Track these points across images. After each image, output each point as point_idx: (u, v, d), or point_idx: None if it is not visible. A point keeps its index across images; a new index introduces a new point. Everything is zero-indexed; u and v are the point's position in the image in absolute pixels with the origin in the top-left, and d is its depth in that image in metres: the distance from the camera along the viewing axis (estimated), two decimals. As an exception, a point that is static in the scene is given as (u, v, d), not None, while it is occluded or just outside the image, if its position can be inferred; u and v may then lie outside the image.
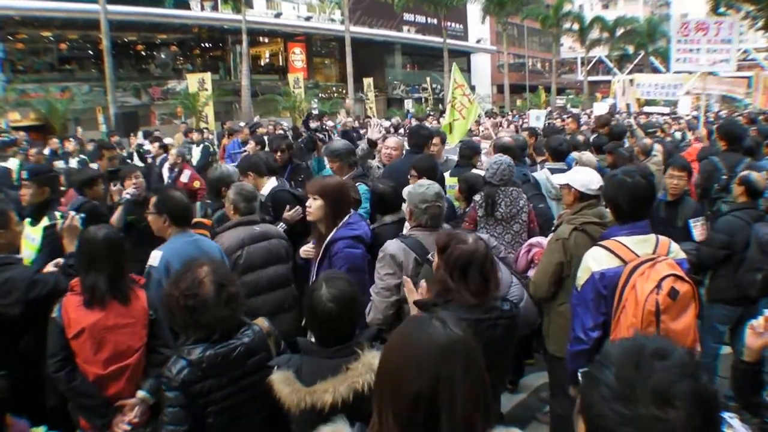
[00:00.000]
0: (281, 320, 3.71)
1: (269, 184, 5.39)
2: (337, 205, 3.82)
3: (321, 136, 9.59)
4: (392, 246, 3.57)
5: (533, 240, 4.54)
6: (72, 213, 3.87)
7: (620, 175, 3.21)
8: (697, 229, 5.00)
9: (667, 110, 22.75)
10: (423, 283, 2.93)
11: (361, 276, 3.66)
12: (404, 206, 3.86)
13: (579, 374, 1.15)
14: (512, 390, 5.35)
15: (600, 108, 24.88)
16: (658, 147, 8.15)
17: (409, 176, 4.92)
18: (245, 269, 4.00)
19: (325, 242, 3.74)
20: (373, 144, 6.09)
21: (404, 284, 3.04)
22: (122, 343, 3.13)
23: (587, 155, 6.36)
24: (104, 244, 3.16)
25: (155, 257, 3.58)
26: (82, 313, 3.06)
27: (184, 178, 8.45)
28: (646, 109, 24.27)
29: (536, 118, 14.34)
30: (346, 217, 3.84)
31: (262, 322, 2.78)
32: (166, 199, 3.81)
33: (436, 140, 6.44)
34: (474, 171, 5.78)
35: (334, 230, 3.76)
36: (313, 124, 13.52)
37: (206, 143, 14.50)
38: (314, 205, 3.80)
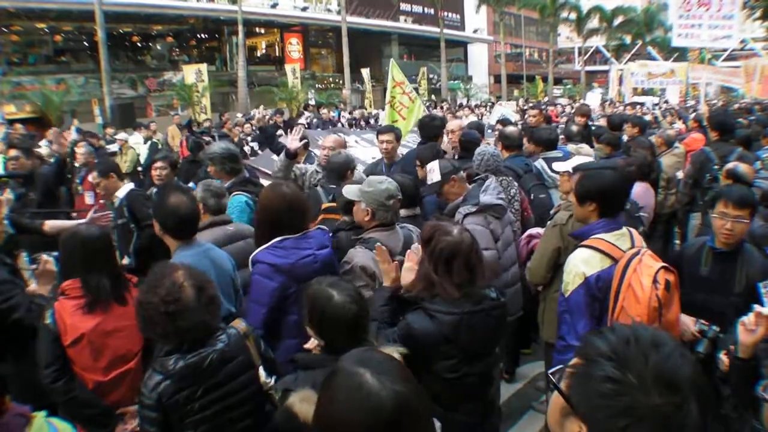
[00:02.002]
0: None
1: (126, 186, 5.31)
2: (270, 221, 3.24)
3: (207, 139, 9.28)
4: (360, 256, 3.34)
5: (533, 231, 4.57)
6: (44, 256, 3.44)
7: (598, 170, 3.21)
8: None
9: (656, 100, 22.53)
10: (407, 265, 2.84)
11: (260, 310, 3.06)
12: (362, 206, 3.51)
13: (553, 376, 1.10)
14: (509, 379, 5.38)
15: (592, 98, 24.88)
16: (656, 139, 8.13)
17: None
18: None
19: (250, 258, 3.20)
20: (291, 155, 4.98)
21: (379, 262, 2.91)
22: (122, 347, 3.01)
23: (586, 148, 6.31)
24: (102, 242, 3.07)
25: None
26: (79, 318, 2.91)
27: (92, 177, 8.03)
28: (636, 98, 24.03)
29: (500, 116, 11.49)
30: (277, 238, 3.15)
31: (238, 323, 2.64)
32: (158, 209, 3.38)
33: (390, 137, 5.80)
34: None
35: (258, 249, 3.17)
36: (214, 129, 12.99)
37: (154, 140, 14.43)
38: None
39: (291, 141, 5.07)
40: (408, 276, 2.80)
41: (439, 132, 6.16)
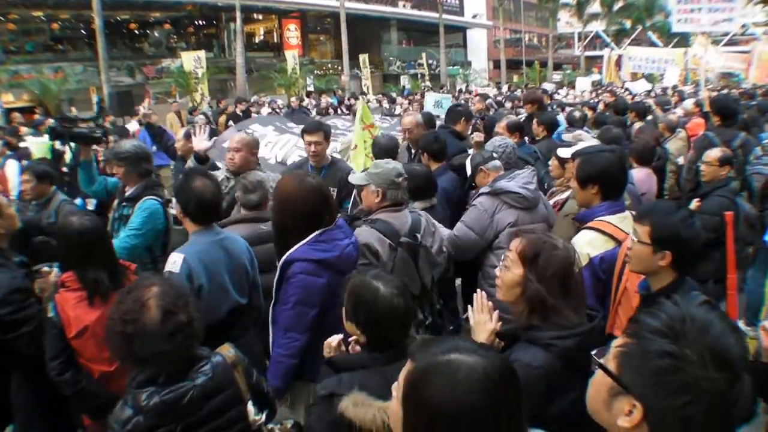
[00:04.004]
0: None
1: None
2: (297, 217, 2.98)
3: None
4: (365, 234, 3.27)
5: None
6: (46, 268, 3.28)
7: (598, 153, 3.23)
8: None
9: (649, 86, 22.20)
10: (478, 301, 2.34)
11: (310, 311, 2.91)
12: (371, 189, 3.45)
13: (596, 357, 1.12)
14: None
15: (582, 83, 24.64)
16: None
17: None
18: None
19: (281, 261, 2.97)
20: (202, 159, 4.32)
21: (471, 313, 2.36)
22: None
23: (585, 135, 6.28)
24: (96, 235, 2.99)
25: (175, 261, 3.02)
26: (82, 311, 2.86)
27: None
28: (627, 85, 23.40)
29: (435, 104, 9.99)
30: (317, 231, 2.96)
31: (226, 351, 2.32)
32: (181, 191, 3.24)
33: (318, 138, 4.90)
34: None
35: (293, 248, 2.94)
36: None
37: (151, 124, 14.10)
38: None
39: (198, 141, 4.39)
40: (483, 331, 2.25)
41: (460, 118, 6.04)
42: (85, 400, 2.93)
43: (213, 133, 7.42)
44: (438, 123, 7.06)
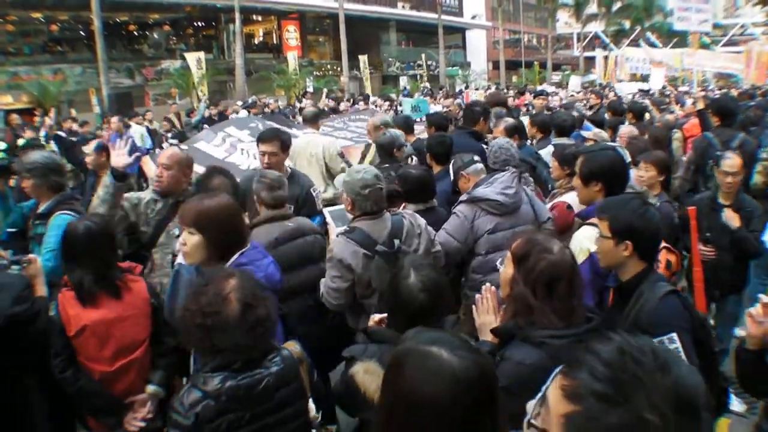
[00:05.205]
0: (309, 327, 3.44)
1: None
2: (223, 240, 2.75)
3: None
4: (339, 247, 3.30)
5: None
6: (31, 255, 3.18)
7: (603, 151, 3.30)
8: None
9: (635, 88, 22.00)
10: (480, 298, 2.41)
11: None
12: (344, 197, 3.46)
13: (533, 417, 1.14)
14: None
15: (575, 82, 24.59)
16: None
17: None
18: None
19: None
20: (121, 176, 3.70)
21: (477, 313, 2.42)
22: (127, 337, 2.98)
23: (605, 135, 6.17)
24: (84, 239, 2.95)
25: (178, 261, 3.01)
26: (82, 309, 2.89)
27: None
28: (617, 86, 23.11)
29: (413, 109, 9.44)
30: (237, 254, 2.78)
31: (293, 346, 2.34)
32: (200, 187, 3.20)
33: (273, 148, 4.52)
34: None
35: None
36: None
37: (150, 128, 13.81)
38: (190, 244, 2.69)
39: (116, 156, 3.78)
40: (489, 333, 2.32)
41: (479, 118, 5.99)
42: (84, 399, 2.96)
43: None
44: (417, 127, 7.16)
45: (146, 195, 3.97)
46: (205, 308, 2.09)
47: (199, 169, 4.55)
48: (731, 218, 4.36)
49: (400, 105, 16.80)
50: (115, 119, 12.57)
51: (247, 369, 2.10)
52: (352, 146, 7.43)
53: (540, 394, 1.13)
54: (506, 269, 2.27)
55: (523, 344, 2.12)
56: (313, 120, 6.60)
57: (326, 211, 4.43)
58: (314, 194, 4.64)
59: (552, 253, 2.18)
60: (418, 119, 8.47)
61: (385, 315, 2.46)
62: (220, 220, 2.72)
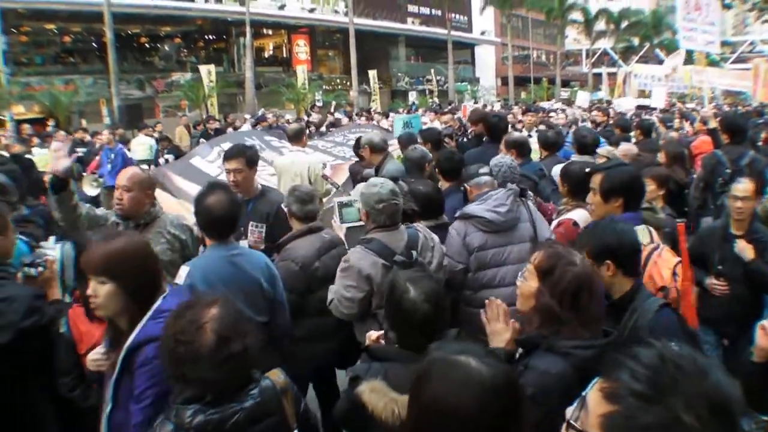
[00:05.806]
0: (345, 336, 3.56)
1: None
2: (140, 285, 2.36)
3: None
4: (356, 256, 3.32)
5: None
6: (49, 257, 3.05)
7: (621, 167, 3.40)
8: None
9: (643, 102, 21.83)
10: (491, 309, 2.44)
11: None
12: (361, 208, 3.54)
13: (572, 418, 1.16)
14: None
15: (582, 98, 24.53)
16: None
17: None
18: (323, 281, 3.60)
19: (125, 348, 2.28)
20: (60, 186, 3.40)
21: (486, 321, 2.45)
22: None
23: (617, 152, 6.08)
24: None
25: (181, 274, 2.99)
26: (94, 326, 2.80)
27: None
28: (616, 101, 23.05)
29: (405, 125, 8.96)
30: (159, 300, 2.39)
31: (276, 376, 2.21)
32: (196, 206, 3.16)
33: (238, 165, 4.24)
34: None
35: (139, 327, 2.31)
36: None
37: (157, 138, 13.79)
38: (102, 294, 2.30)
39: (55, 163, 3.40)
40: (500, 341, 2.38)
41: (503, 133, 6.05)
42: (95, 415, 2.84)
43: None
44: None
45: (111, 216, 3.76)
46: (178, 335, 1.98)
47: (193, 187, 4.48)
48: (744, 249, 4.09)
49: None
50: (105, 132, 12.65)
51: (219, 403, 1.98)
52: (347, 163, 7.39)
53: (579, 398, 1.16)
54: (528, 282, 2.28)
55: (548, 354, 2.13)
56: (297, 137, 6.59)
57: (336, 200, 4.46)
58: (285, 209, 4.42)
59: (575, 265, 2.22)
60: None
61: (382, 332, 2.50)
62: (134, 264, 2.37)
